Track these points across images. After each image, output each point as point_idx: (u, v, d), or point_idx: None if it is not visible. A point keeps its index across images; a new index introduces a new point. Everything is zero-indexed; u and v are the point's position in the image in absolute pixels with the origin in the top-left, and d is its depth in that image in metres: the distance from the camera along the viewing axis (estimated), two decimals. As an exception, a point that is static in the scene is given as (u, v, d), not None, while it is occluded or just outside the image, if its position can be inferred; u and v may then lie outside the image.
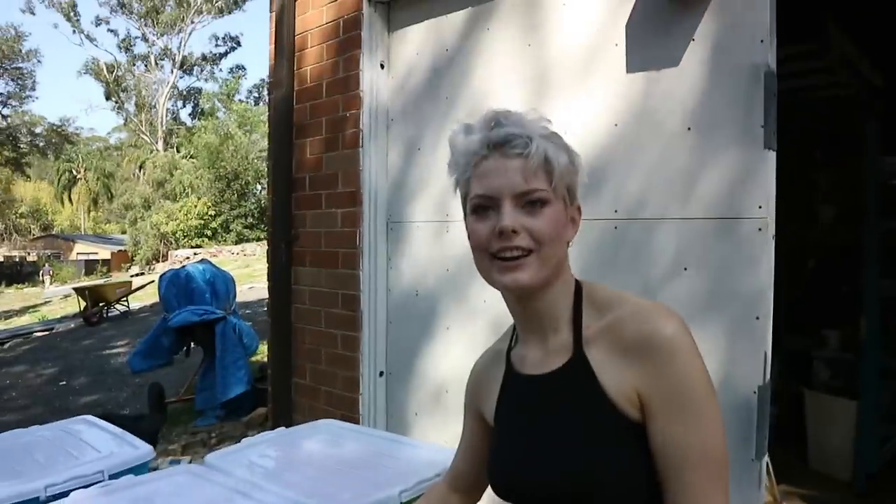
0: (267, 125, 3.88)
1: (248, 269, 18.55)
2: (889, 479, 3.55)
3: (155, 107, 42.15)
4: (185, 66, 42.83)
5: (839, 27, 3.01)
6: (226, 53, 43.98)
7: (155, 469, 2.04)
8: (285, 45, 3.33)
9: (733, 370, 1.89)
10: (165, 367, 6.06)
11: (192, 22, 40.11)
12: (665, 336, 0.84)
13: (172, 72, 42.37)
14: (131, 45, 42.00)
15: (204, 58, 43.47)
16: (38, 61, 42.80)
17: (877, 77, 3.53)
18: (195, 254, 22.83)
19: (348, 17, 3.07)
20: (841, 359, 3.89)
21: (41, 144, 44.75)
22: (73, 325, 13.37)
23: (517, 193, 0.90)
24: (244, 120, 29.44)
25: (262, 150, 26.12)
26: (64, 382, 8.04)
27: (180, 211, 27.79)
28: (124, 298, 14.09)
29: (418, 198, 2.92)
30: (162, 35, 40.86)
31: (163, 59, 42.58)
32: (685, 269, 2.03)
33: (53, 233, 46.61)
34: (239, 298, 7.04)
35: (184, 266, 6.07)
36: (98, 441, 2.17)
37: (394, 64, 3.06)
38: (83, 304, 13.44)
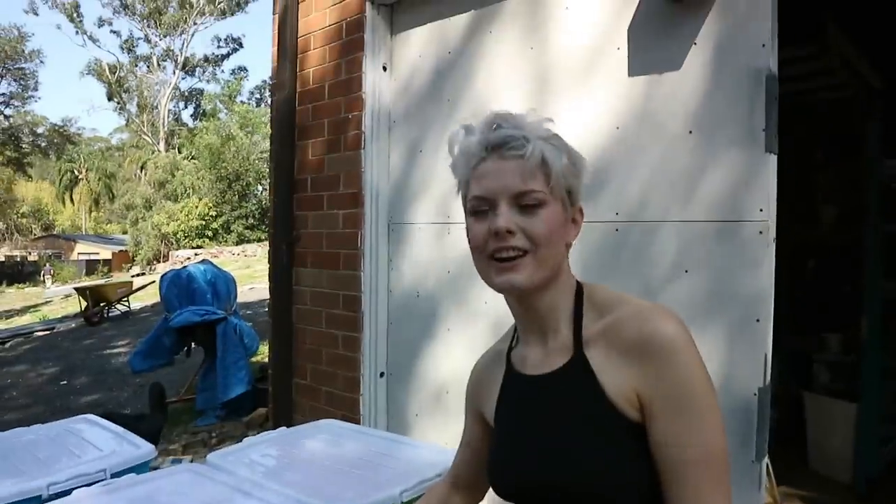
0: (268, 126, 3.89)
1: (248, 270, 18.57)
2: (889, 482, 3.55)
3: (157, 108, 42.22)
4: (188, 68, 42.88)
5: (839, 28, 3.02)
6: (228, 55, 44.05)
7: (156, 468, 2.05)
8: (288, 47, 3.34)
9: (733, 372, 1.89)
10: (166, 368, 6.07)
11: (195, 23, 40.19)
12: (665, 337, 0.85)
13: (174, 73, 42.46)
14: (134, 47, 42.10)
15: (206, 59, 43.54)
16: (41, 62, 43.00)
17: (876, 78, 3.53)
18: (196, 254, 22.85)
19: (351, 19, 3.08)
20: (841, 361, 3.90)
21: (43, 144, 44.78)
22: (73, 325, 13.39)
23: (513, 194, 0.90)
24: (246, 121, 29.45)
25: (263, 151, 26.14)
26: (65, 382, 8.05)
27: (181, 211, 27.82)
28: (125, 298, 14.10)
29: (420, 199, 2.93)
30: (164, 36, 40.94)
31: (165, 61, 42.69)
32: (686, 271, 2.04)
33: (55, 233, 46.63)
34: (240, 299, 7.05)
35: (185, 266, 6.08)
36: (100, 440, 2.17)
37: (396, 66, 3.07)
38: (84, 303, 13.45)
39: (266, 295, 3.71)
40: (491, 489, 1.05)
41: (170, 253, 26.81)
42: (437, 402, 2.85)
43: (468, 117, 0.99)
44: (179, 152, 36.43)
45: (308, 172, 3.33)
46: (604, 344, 0.90)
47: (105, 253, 38.34)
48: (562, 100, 2.37)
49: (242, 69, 51.86)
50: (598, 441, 0.88)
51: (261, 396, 5.10)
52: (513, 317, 1.03)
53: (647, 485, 0.85)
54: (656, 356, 0.85)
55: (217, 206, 27.90)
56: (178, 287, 5.64)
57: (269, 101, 3.69)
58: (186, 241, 27.43)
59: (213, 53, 43.83)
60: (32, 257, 39.03)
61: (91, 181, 46.63)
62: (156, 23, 39.94)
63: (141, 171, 38.38)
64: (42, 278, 31.10)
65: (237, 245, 26.48)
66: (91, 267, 34.43)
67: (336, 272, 3.15)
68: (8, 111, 39.11)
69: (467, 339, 2.69)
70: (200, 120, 40.18)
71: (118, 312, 13.90)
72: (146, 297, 15.25)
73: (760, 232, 1.88)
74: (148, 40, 41.60)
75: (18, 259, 38.61)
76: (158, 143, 40.82)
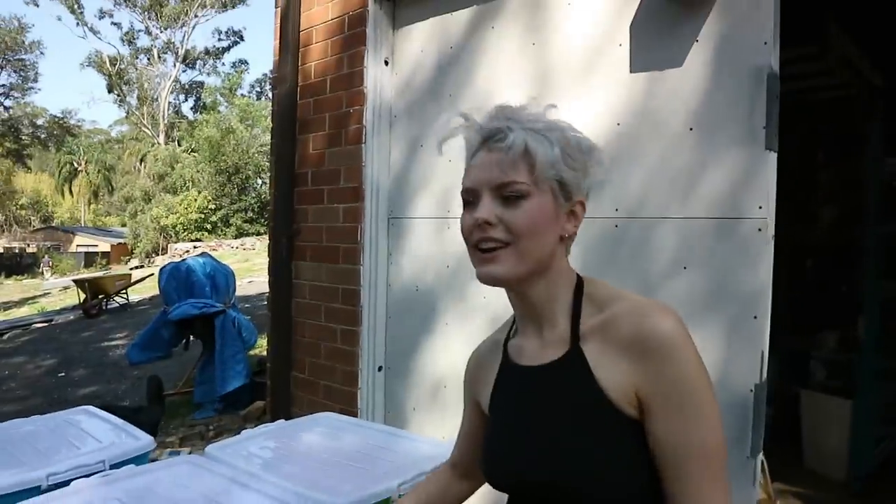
0: (269, 120, 3.89)
1: (247, 264, 18.57)
2: (884, 480, 3.57)
3: (157, 100, 42.14)
4: (188, 60, 42.79)
5: (840, 28, 3.02)
6: (228, 48, 44.14)
7: (154, 460, 2.06)
8: (290, 40, 3.34)
9: (730, 368, 1.90)
10: (164, 360, 6.08)
11: (196, 16, 40.07)
12: (663, 334, 0.85)
13: (175, 65, 42.37)
14: (134, 39, 41.99)
15: (207, 52, 43.44)
16: (41, 53, 42.90)
17: (877, 77, 3.54)
18: (195, 247, 22.84)
19: (353, 13, 3.08)
20: (838, 359, 3.91)
21: (43, 136, 44.76)
22: (72, 317, 13.38)
23: (495, 186, 0.91)
24: (246, 114, 29.42)
25: (263, 144, 26.12)
26: (63, 374, 8.06)
27: (180, 204, 27.78)
28: (124, 291, 14.10)
29: (420, 194, 2.93)
30: (165, 29, 40.83)
31: (165, 53, 42.60)
32: (684, 267, 2.05)
33: (53, 225, 46.52)
34: (238, 292, 7.05)
35: (184, 259, 6.08)
36: (98, 431, 2.18)
37: (398, 61, 3.07)
38: (82, 296, 13.43)
39: (265, 288, 3.72)
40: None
41: (168, 246, 26.79)
42: (434, 397, 2.85)
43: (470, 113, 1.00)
44: (179, 145, 36.38)
45: (309, 166, 3.33)
46: (601, 339, 0.90)
47: (104, 245, 38.31)
48: (563, 96, 2.38)
49: (243, 62, 51.91)
50: (590, 436, 0.88)
51: (259, 390, 5.11)
52: (511, 308, 1.04)
53: (641, 481, 0.86)
54: (654, 354, 0.85)
55: (216, 200, 27.88)
56: (177, 280, 5.64)
57: (271, 95, 3.69)
58: (185, 234, 27.41)
59: (214, 46, 43.86)
60: (31, 249, 38.96)
61: (90, 173, 46.53)
62: (156, 15, 39.84)
63: (140, 164, 38.38)
64: (40, 270, 31.08)
65: (236, 238, 26.48)
66: (90, 259, 34.40)
67: (335, 266, 3.16)
68: (8, 102, 39.14)
69: (465, 334, 2.70)
70: (200, 113, 40.09)
71: (116, 305, 13.90)
72: (145, 289, 15.26)
73: (759, 229, 1.88)
74: (149, 32, 41.55)
75: (17, 251, 38.52)
76: (158, 136, 40.75)
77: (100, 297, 13.45)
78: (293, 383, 3.39)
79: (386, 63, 3.07)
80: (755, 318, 1.88)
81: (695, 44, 2.03)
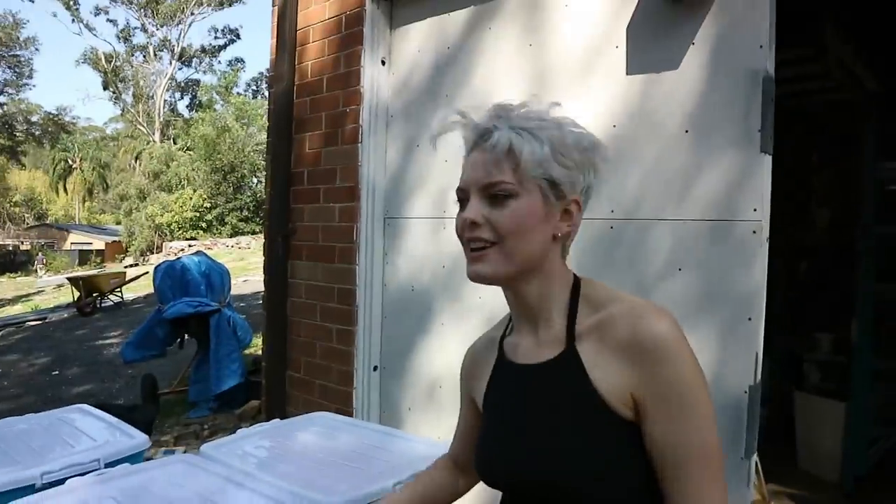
0: (265, 118, 3.88)
1: (242, 262, 18.55)
2: (877, 481, 3.59)
3: (152, 98, 42.02)
4: (184, 58, 42.71)
5: (836, 31, 3.03)
6: (225, 46, 43.85)
7: (149, 459, 2.05)
8: (287, 39, 3.33)
9: (724, 370, 1.91)
10: (159, 359, 6.06)
11: (192, 13, 40.00)
12: (658, 336, 0.85)
13: (171, 63, 42.28)
14: (130, 36, 41.86)
15: (203, 50, 43.35)
16: (36, 49, 42.60)
17: (872, 81, 3.55)
18: (189, 245, 22.81)
19: (351, 13, 3.08)
20: (832, 361, 3.93)
21: (37, 133, 44.59)
22: (66, 315, 13.34)
23: (481, 186, 0.92)
24: (241, 113, 29.38)
25: (258, 143, 26.09)
26: (56, 372, 8.03)
27: (175, 203, 27.73)
28: (118, 289, 14.06)
29: (416, 194, 2.93)
30: (161, 26, 40.74)
31: (161, 51, 42.50)
32: (679, 269, 2.05)
33: (48, 222, 46.31)
34: (233, 291, 7.03)
35: (179, 258, 6.07)
36: (93, 430, 2.17)
37: (395, 61, 3.07)
38: (77, 293, 13.40)
39: (260, 287, 3.71)
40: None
41: (163, 244, 26.75)
42: (430, 397, 2.85)
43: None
44: (174, 143, 36.29)
45: (305, 165, 3.33)
46: (596, 339, 0.90)
47: (98, 243, 38.15)
48: (560, 97, 2.35)
49: (239, 60, 51.75)
50: (587, 436, 0.88)
51: (254, 389, 5.11)
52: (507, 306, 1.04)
53: (640, 480, 0.86)
54: (650, 356, 0.85)
55: (212, 198, 27.84)
56: (172, 278, 5.63)
57: (267, 93, 3.68)
58: (180, 232, 27.36)
59: (210, 44, 43.71)
60: (25, 246, 38.78)
61: (85, 171, 46.38)
62: (153, 12, 39.74)
63: (135, 162, 38.22)
64: (34, 268, 30.95)
65: (231, 237, 26.45)
66: (84, 257, 34.27)
67: (331, 265, 3.16)
68: (2, 99, 38.93)
69: (461, 334, 2.70)
70: (196, 111, 40.05)
71: (111, 303, 13.86)
72: (139, 287, 15.22)
73: (754, 231, 1.89)
74: (145, 30, 41.44)
75: (11, 248, 38.35)
76: (154, 134, 40.64)
77: (94, 295, 13.42)
78: (288, 382, 3.38)
79: (383, 63, 3.07)
80: (750, 319, 1.88)
81: (691, 46, 2.03)
